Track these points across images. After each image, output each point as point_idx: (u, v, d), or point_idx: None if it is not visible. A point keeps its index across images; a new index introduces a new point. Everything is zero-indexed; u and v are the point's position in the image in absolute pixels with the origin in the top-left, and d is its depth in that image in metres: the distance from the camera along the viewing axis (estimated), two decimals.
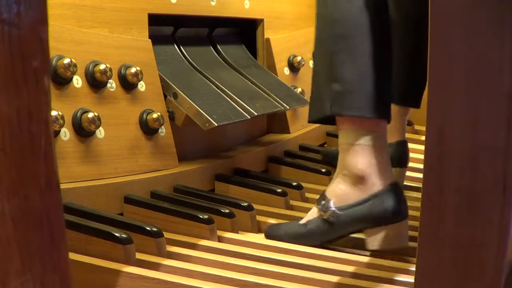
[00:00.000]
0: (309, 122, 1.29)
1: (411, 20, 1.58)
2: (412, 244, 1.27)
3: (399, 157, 1.60)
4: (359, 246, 1.26)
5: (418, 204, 1.49)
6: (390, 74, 1.24)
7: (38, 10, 0.49)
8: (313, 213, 1.26)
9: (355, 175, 1.19)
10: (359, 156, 1.18)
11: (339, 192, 1.22)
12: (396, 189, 1.19)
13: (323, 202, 1.23)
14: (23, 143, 0.48)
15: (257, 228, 1.39)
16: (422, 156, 0.65)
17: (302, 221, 1.28)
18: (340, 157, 1.22)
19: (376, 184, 1.19)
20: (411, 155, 1.83)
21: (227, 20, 1.81)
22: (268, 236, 1.30)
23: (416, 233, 0.67)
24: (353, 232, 1.24)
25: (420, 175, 1.60)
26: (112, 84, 1.37)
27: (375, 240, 1.20)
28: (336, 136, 2.01)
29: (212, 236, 1.25)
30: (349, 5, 1.18)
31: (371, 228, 1.20)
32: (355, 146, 1.18)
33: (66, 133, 1.25)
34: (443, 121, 0.64)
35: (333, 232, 1.23)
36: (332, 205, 1.21)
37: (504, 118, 0.61)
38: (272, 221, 1.40)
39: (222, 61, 1.77)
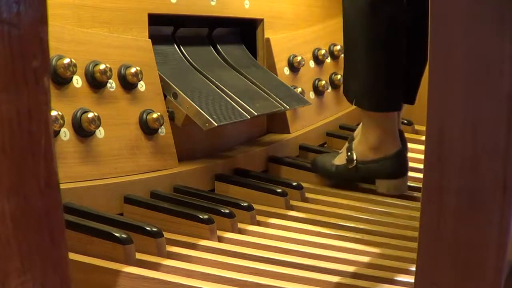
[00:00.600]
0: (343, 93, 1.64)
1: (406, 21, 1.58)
2: (413, 244, 1.27)
3: (398, 168, 1.58)
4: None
5: (419, 204, 1.49)
6: (401, 72, 1.54)
7: (38, 10, 0.48)
8: (342, 158, 1.64)
9: (372, 142, 1.58)
10: (376, 130, 1.57)
11: (360, 150, 1.60)
12: (400, 154, 1.58)
13: (349, 153, 1.61)
14: (23, 143, 0.48)
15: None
16: (422, 156, 0.65)
17: (335, 161, 1.66)
18: (362, 126, 1.61)
19: (386, 149, 1.57)
20: (411, 155, 1.82)
21: (227, 20, 1.81)
22: (312, 165, 1.70)
23: (417, 234, 0.67)
24: (368, 180, 1.63)
25: (420, 175, 1.60)
26: (112, 84, 1.37)
27: (382, 187, 1.60)
28: (335, 136, 2.02)
29: (212, 236, 1.25)
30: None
31: (381, 179, 1.60)
32: (373, 123, 1.57)
33: (66, 133, 1.25)
34: (443, 121, 0.64)
35: (353, 177, 1.63)
36: (355, 159, 1.60)
37: (504, 118, 0.61)
38: (272, 221, 1.40)
39: (222, 61, 1.77)
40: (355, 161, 1.60)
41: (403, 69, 1.59)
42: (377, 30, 1.49)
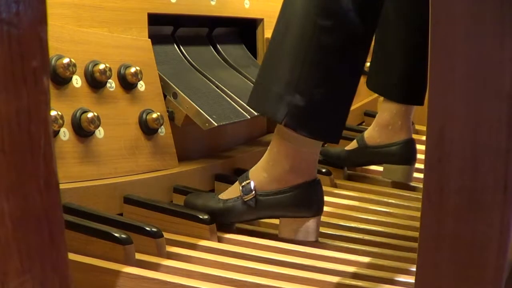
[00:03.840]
0: (248, 105, 1.29)
1: (413, 19, 1.58)
2: (413, 244, 1.27)
3: (406, 155, 1.61)
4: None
5: (419, 204, 1.48)
6: (352, 98, 1.23)
7: (37, 10, 0.48)
8: (235, 191, 1.28)
9: (283, 172, 1.23)
10: (293, 158, 1.22)
11: (262, 178, 1.25)
12: (315, 185, 1.24)
13: (244, 183, 1.26)
14: (23, 143, 0.48)
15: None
16: (422, 156, 0.65)
17: (222, 196, 1.30)
18: (272, 148, 1.25)
19: (298, 178, 1.23)
20: None
21: (227, 20, 1.81)
22: (186, 204, 1.33)
23: (417, 234, 0.67)
24: (268, 217, 1.29)
25: (421, 175, 1.60)
26: (112, 84, 1.37)
27: (284, 229, 1.26)
28: None
29: (212, 237, 1.25)
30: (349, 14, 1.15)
31: (285, 218, 1.26)
32: (291, 148, 1.22)
33: (65, 133, 1.25)
34: (444, 121, 0.63)
35: (249, 215, 1.27)
36: (253, 189, 1.25)
37: (505, 118, 0.61)
38: (272, 221, 1.40)
39: (222, 61, 1.77)
40: (253, 193, 1.25)
41: (403, 68, 1.59)
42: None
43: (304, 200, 1.23)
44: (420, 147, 1.61)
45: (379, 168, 1.71)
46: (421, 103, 1.62)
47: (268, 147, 1.26)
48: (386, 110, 1.63)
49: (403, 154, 1.61)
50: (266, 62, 1.25)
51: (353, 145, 1.70)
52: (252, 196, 1.25)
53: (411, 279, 1.07)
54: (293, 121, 1.18)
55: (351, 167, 1.76)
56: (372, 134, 1.65)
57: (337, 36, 1.16)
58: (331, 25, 1.15)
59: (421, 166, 0.69)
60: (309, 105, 1.16)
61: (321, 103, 1.17)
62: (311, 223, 1.25)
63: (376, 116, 1.67)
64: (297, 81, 1.16)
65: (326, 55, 1.16)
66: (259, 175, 1.26)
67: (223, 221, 1.29)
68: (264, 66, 1.25)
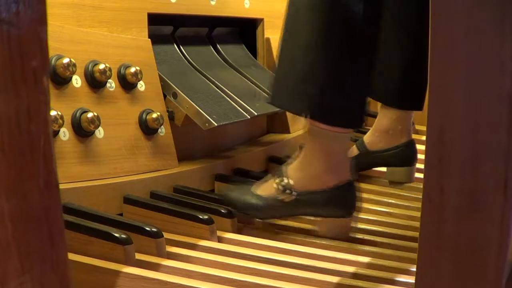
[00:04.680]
0: (270, 103, 1.30)
1: (410, 24, 1.57)
2: (413, 244, 1.27)
3: (408, 157, 1.62)
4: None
5: (419, 204, 1.48)
6: (369, 81, 1.26)
7: (37, 10, 0.48)
8: (270, 187, 1.28)
9: (318, 171, 1.24)
10: (324, 154, 1.24)
11: (298, 178, 1.26)
12: (351, 186, 1.26)
13: (284, 182, 1.26)
14: (22, 143, 0.48)
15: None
16: (423, 156, 0.65)
17: (259, 191, 1.30)
18: (307, 147, 1.26)
19: (333, 180, 1.24)
20: None
21: (227, 20, 1.81)
22: (222, 196, 1.35)
23: (417, 234, 0.67)
24: (302, 215, 1.31)
25: (421, 175, 1.60)
26: (112, 84, 1.37)
27: (322, 227, 1.29)
28: None
29: (212, 237, 1.25)
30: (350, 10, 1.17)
31: (319, 217, 1.29)
32: (324, 145, 1.23)
33: (65, 133, 1.25)
34: (444, 121, 0.63)
35: (286, 211, 1.28)
36: (292, 188, 1.25)
37: (505, 118, 0.61)
38: (272, 220, 1.40)
39: (222, 61, 1.77)
40: (293, 193, 1.25)
41: (401, 74, 1.58)
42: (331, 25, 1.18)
43: (340, 201, 1.25)
44: (420, 147, 1.61)
45: (379, 168, 1.71)
46: (420, 108, 1.61)
47: (304, 148, 1.27)
48: (386, 116, 1.62)
49: (404, 156, 1.61)
50: (280, 58, 1.26)
51: (353, 151, 1.69)
52: (290, 195, 1.25)
53: (411, 279, 1.07)
54: (314, 111, 1.20)
55: (355, 172, 1.75)
56: (373, 139, 1.65)
57: (345, 21, 1.17)
58: (332, 14, 1.17)
59: (421, 166, 0.69)
60: (328, 94, 1.18)
61: (338, 89, 1.19)
62: (345, 222, 1.28)
63: (376, 121, 1.66)
64: (313, 71, 1.18)
65: (337, 41, 1.18)
66: (296, 174, 1.26)
67: (259, 217, 1.32)
68: (280, 62, 1.26)
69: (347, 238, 1.29)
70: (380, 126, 1.65)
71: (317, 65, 1.18)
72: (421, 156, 1.61)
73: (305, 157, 1.26)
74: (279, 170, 1.29)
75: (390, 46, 1.60)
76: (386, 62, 1.62)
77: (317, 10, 1.18)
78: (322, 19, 1.17)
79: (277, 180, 1.27)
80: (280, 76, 1.25)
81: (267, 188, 1.29)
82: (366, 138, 1.68)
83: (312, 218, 1.33)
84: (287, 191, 1.25)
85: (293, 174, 1.26)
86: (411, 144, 1.62)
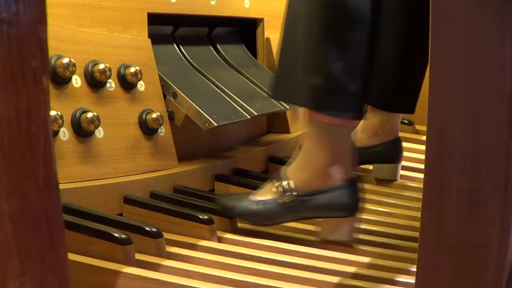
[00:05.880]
0: (273, 98, 1.28)
1: (400, 26, 1.55)
2: (413, 244, 1.27)
3: (393, 154, 1.65)
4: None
5: (419, 204, 1.48)
6: (371, 73, 1.22)
7: (37, 10, 0.48)
8: (270, 192, 1.25)
9: (319, 167, 1.21)
10: (327, 150, 1.20)
11: (299, 178, 1.22)
12: (354, 185, 1.22)
13: (284, 184, 1.23)
14: (22, 143, 0.48)
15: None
16: (423, 156, 0.65)
17: (258, 197, 1.27)
18: (306, 144, 1.23)
19: (337, 177, 1.21)
20: (412, 155, 1.83)
21: (227, 20, 1.81)
22: (219, 204, 1.31)
23: (417, 234, 0.67)
24: (306, 218, 1.27)
25: (421, 175, 1.60)
26: (112, 84, 1.37)
27: (326, 230, 1.25)
28: None
29: (212, 237, 1.25)
30: None
31: (325, 218, 1.24)
32: (325, 139, 1.20)
33: (65, 133, 1.25)
34: (444, 121, 0.63)
35: (287, 215, 1.25)
36: (293, 190, 1.22)
37: (506, 118, 0.61)
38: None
39: (222, 61, 1.77)
40: (294, 193, 1.22)
41: (392, 76, 1.55)
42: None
43: (344, 200, 1.21)
44: (421, 147, 1.61)
45: None
46: (412, 111, 1.60)
47: (303, 146, 1.24)
48: (376, 115, 1.63)
49: (391, 154, 1.65)
50: (282, 51, 1.23)
51: None
52: (291, 197, 1.22)
53: (411, 279, 1.07)
54: (315, 102, 1.16)
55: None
56: (361, 136, 1.65)
57: (344, 10, 1.14)
58: (333, 2, 1.14)
59: (422, 166, 0.69)
60: (329, 83, 1.15)
61: (339, 79, 1.15)
62: (349, 222, 1.24)
63: (365, 120, 1.66)
64: (314, 61, 1.16)
65: (335, 31, 1.15)
66: (296, 174, 1.23)
67: (261, 223, 1.27)
68: (281, 55, 1.23)
69: (350, 241, 1.26)
70: (370, 125, 1.65)
71: (321, 52, 1.15)
72: (421, 156, 1.61)
73: (306, 155, 1.22)
74: (277, 174, 1.26)
75: (384, 51, 1.57)
76: (376, 65, 1.58)
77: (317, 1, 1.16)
78: (322, 9, 1.15)
79: (276, 184, 1.24)
80: (282, 69, 1.22)
81: (266, 193, 1.26)
82: (354, 134, 1.65)
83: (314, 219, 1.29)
84: (288, 193, 1.22)
85: (294, 174, 1.23)
86: (397, 141, 1.64)
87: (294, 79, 1.18)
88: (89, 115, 1.27)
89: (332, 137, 1.20)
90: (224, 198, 1.33)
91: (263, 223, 1.27)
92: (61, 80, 1.26)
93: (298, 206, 1.22)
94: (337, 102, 1.17)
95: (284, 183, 1.23)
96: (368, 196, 1.59)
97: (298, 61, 1.18)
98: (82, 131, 1.27)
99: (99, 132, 1.32)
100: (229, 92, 1.59)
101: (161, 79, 1.49)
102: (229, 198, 1.32)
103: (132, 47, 1.44)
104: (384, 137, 1.63)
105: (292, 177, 1.23)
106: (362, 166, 1.76)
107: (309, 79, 1.16)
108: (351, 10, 1.15)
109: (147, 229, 1.15)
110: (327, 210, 1.22)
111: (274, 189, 1.24)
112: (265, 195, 1.26)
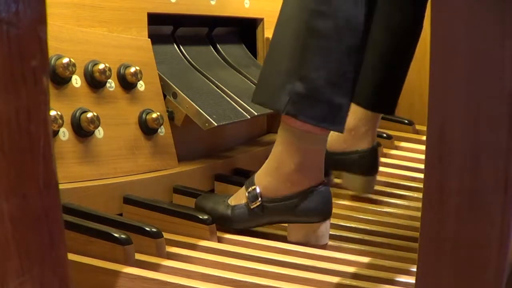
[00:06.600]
0: (252, 101, 1.26)
1: (391, 25, 1.48)
2: (413, 244, 1.27)
3: (368, 165, 1.51)
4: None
5: (419, 204, 1.48)
6: (356, 83, 1.19)
7: (36, 9, 0.48)
8: (242, 196, 1.26)
9: (288, 173, 1.20)
10: (298, 156, 1.19)
11: (267, 184, 1.22)
12: (323, 189, 1.22)
13: (250, 189, 1.24)
14: (22, 143, 0.48)
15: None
16: (423, 156, 0.65)
17: (231, 201, 1.27)
18: (276, 149, 1.22)
19: (305, 182, 1.20)
20: (412, 155, 1.82)
21: (227, 20, 1.80)
22: (196, 206, 1.32)
23: (417, 234, 0.67)
24: (275, 223, 1.27)
25: (421, 175, 1.60)
26: (111, 84, 1.37)
27: (294, 234, 1.25)
28: None
29: (212, 237, 1.25)
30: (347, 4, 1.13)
31: (294, 223, 1.24)
32: (296, 146, 1.18)
33: (65, 133, 1.25)
34: (444, 120, 0.63)
35: (257, 221, 1.26)
36: (259, 196, 1.22)
37: (506, 118, 0.61)
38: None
39: (222, 61, 1.77)
40: (259, 200, 1.23)
41: (375, 74, 1.47)
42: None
43: (312, 205, 1.21)
44: (421, 147, 1.61)
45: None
46: (392, 112, 1.52)
47: (272, 150, 1.23)
48: (351, 113, 1.44)
49: (365, 164, 1.50)
50: (268, 56, 1.23)
51: None
52: (258, 204, 1.23)
53: (411, 280, 1.07)
54: (294, 107, 1.14)
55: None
56: (334, 138, 1.48)
57: (332, 20, 1.13)
58: (325, 10, 1.13)
59: (422, 166, 0.69)
60: (311, 91, 1.13)
61: (323, 87, 1.14)
62: (321, 227, 1.24)
63: None
64: (297, 68, 1.14)
65: (323, 39, 1.14)
66: (264, 179, 1.23)
67: (231, 227, 1.28)
68: (266, 60, 1.23)
69: (322, 246, 1.24)
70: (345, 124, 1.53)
71: (305, 60, 1.14)
72: (421, 156, 1.61)
73: (275, 160, 1.21)
74: (250, 178, 1.26)
75: (372, 49, 1.50)
76: (364, 64, 1.52)
77: (305, 2, 1.14)
78: (314, 15, 1.13)
79: (247, 188, 1.25)
80: (266, 73, 1.21)
81: (239, 198, 1.27)
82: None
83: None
84: (256, 199, 1.23)
85: (261, 180, 1.23)
86: (373, 151, 1.50)
87: (276, 84, 1.17)
88: (89, 115, 1.27)
89: (305, 144, 1.18)
90: (202, 200, 1.32)
91: (236, 228, 1.28)
92: (61, 80, 1.26)
93: (267, 212, 1.24)
94: (317, 111, 1.15)
95: (251, 188, 1.24)
96: (368, 196, 1.59)
97: (282, 66, 1.17)
98: (82, 131, 1.27)
99: (99, 132, 1.32)
100: (229, 92, 1.59)
101: (161, 79, 1.49)
102: (207, 200, 1.32)
103: (132, 47, 1.44)
104: (358, 144, 1.49)
105: (259, 183, 1.24)
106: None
107: (290, 84, 1.14)
108: (342, 20, 1.13)
109: (147, 229, 1.15)
110: (296, 216, 1.22)
111: (247, 194, 1.25)
112: (238, 200, 1.27)
